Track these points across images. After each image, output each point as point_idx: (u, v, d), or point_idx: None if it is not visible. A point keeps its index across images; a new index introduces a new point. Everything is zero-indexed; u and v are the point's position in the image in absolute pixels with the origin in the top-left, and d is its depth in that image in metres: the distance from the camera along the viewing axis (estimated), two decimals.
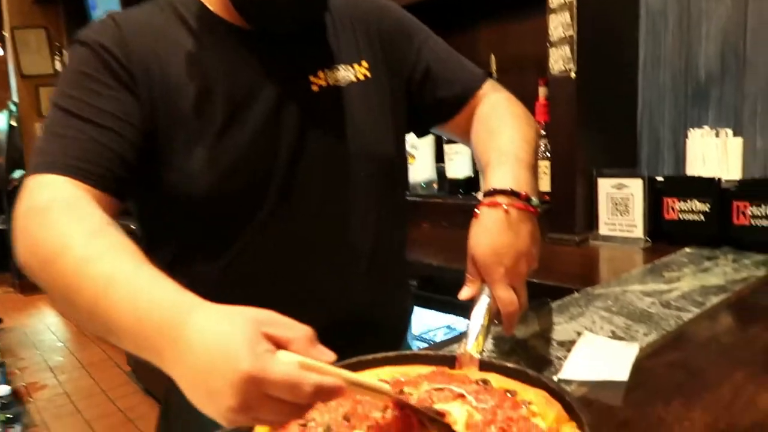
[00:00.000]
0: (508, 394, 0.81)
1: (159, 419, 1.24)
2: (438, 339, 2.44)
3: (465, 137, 1.30)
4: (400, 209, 1.29)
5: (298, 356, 0.64)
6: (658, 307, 1.36)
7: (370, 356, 0.92)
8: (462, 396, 0.79)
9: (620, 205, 2.04)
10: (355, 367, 0.91)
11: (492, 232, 1.01)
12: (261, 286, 1.09)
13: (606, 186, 2.07)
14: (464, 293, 1.03)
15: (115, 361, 4.66)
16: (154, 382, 3.72)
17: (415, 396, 0.80)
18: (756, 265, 1.66)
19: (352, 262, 1.16)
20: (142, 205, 1.11)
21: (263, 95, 1.06)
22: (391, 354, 0.93)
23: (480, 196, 1.08)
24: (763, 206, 1.75)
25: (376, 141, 1.19)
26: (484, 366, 0.91)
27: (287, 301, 0.87)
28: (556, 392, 0.80)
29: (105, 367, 4.63)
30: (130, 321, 0.68)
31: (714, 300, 1.38)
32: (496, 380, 0.86)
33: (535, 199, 1.07)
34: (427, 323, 2.51)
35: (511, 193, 1.03)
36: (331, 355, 0.66)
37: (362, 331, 1.10)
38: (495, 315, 1.00)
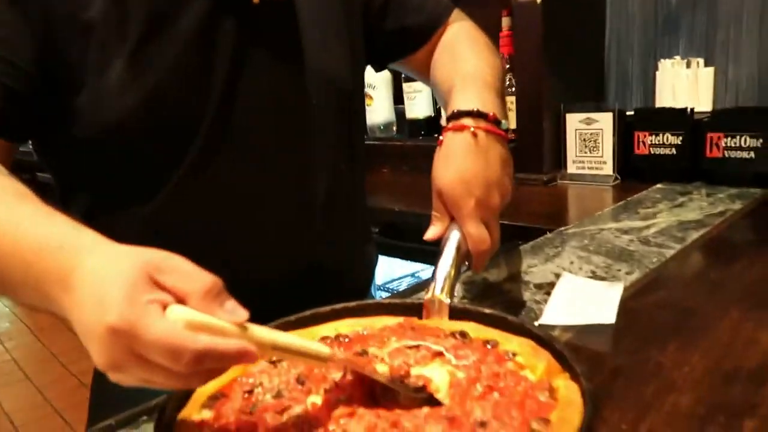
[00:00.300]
0: (489, 346, 0.70)
1: (93, 375, 1.10)
2: (402, 289, 2.34)
3: (426, 74, 1.16)
4: (359, 152, 1.15)
5: (193, 313, 0.52)
6: (638, 244, 1.27)
7: (327, 308, 0.80)
8: (440, 354, 0.67)
9: (589, 141, 1.94)
10: (310, 321, 0.78)
11: (458, 159, 0.88)
12: (195, 240, 0.91)
13: (574, 121, 1.96)
14: (430, 233, 0.91)
15: (67, 325, 4.47)
16: None
17: (383, 356, 0.68)
18: (731, 198, 1.59)
19: (304, 211, 1.01)
20: (49, 145, 0.93)
21: (192, 6, 0.89)
22: (351, 304, 0.80)
23: (443, 121, 0.95)
24: (737, 137, 1.67)
25: (331, 67, 1.02)
26: (457, 313, 0.79)
27: (230, 256, 0.74)
28: (544, 340, 0.69)
29: (55, 332, 4.41)
30: (19, 274, 0.59)
31: (694, 235, 1.30)
32: (473, 330, 0.74)
33: (504, 122, 0.94)
34: (390, 272, 2.41)
35: (478, 115, 0.91)
36: (243, 314, 0.54)
37: (321, 285, 0.96)
38: (465, 256, 0.88)
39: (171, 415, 0.61)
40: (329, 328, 0.77)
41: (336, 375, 0.65)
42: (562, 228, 1.45)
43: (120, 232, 0.61)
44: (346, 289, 0.96)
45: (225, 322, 0.53)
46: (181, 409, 0.62)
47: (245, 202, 0.95)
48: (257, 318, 0.75)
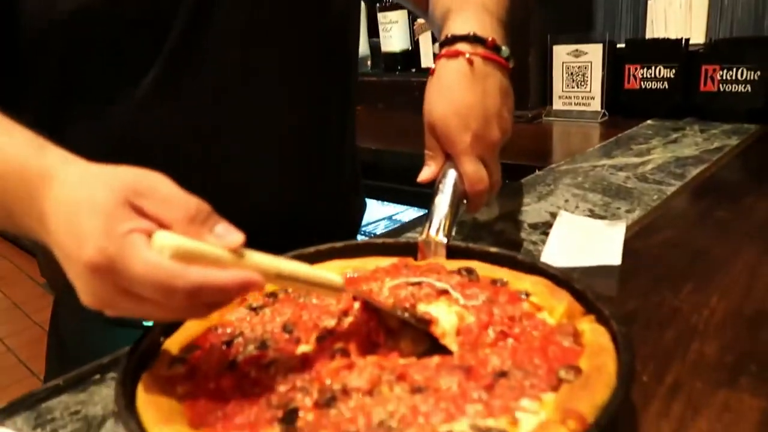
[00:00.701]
0: (498, 285, 0.62)
1: (49, 325, 1.00)
2: (379, 233, 2.26)
3: (424, 6, 1.05)
4: (350, 88, 1.04)
5: (182, 240, 0.45)
6: (635, 181, 1.21)
7: (311, 248, 0.71)
8: (446, 292, 0.59)
9: (577, 75, 1.85)
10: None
11: (453, 89, 0.79)
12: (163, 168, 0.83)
13: (561, 54, 1.87)
14: (423, 174, 0.82)
15: (28, 273, 4.31)
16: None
17: (385, 294, 0.60)
18: (726, 134, 1.54)
19: (282, 147, 0.91)
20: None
21: None
22: (338, 244, 0.72)
23: (436, 48, 0.85)
24: (733, 69, 1.60)
25: None
26: (457, 254, 0.71)
27: (198, 191, 0.64)
28: (561, 280, 0.61)
29: (17, 281, 4.26)
30: None
31: (693, 171, 1.24)
32: (478, 268, 0.67)
33: (505, 49, 0.85)
34: (366, 215, 2.33)
35: (475, 40, 0.81)
36: (238, 237, 0.47)
37: (303, 231, 0.87)
38: (462, 196, 0.80)
39: (135, 371, 0.52)
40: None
41: (330, 321, 0.57)
42: (553, 165, 1.38)
43: (85, 150, 0.51)
44: (328, 236, 0.87)
45: (218, 248, 0.46)
46: (146, 364, 0.53)
47: (213, 133, 0.84)
48: None
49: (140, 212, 0.46)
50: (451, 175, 0.79)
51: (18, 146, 0.53)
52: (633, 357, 0.46)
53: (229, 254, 0.46)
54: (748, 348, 0.63)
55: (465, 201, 0.81)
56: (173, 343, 0.57)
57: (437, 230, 0.73)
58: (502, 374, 0.47)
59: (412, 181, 0.90)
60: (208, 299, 0.46)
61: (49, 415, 0.59)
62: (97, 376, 0.65)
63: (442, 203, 0.77)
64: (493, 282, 0.63)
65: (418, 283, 0.61)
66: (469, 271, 0.64)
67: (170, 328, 0.59)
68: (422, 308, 0.57)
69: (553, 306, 0.57)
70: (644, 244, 0.92)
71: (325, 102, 0.96)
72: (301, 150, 0.92)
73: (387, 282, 0.64)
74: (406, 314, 0.57)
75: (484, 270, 0.65)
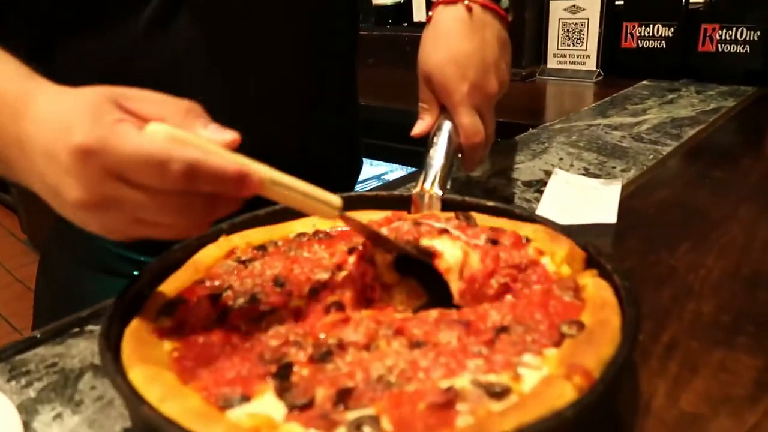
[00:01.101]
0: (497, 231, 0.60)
1: (37, 278, 0.98)
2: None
3: None
4: (351, 36, 1.01)
5: (176, 130, 0.43)
6: (631, 141, 1.20)
7: None
8: (446, 231, 0.57)
9: (573, 32, 1.82)
10: (281, 216, 0.68)
11: (450, 37, 0.77)
12: None
13: (558, 10, 1.83)
14: (417, 127, 0.80)
15: (9, 229, 4.23)
16: None
17: (384, 233, 0.58)
18: (723, 95, 1.52)
19: (282, 90, 0.87)
20: None
21: None
22: None
23: None
24: (733, 29, 1.58)
25: None
26: (452, 207, 0.70)
27: None
28: (561, 229, 0.60)
29: (1, 237, 4.23)
30: None
31: (690, 132, 1.23)
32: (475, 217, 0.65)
33: (505, 0, 0.83)
34: None
35: None
36: (232, 134, 0.45)
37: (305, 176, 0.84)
38: (457, 149, 0.78)
39: (120, 324, 0.50)
40: (306, 224, 0.67)
41: (323, 275, 0.56)
42: (547, 123, 1.36)
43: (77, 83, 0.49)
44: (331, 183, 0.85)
45: (212, 143, 0.44)
46: (131, 316, 0.52)
47: (212, 73, 0.81)
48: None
49: (129, 112, 0.44)
50: (446, 127, 0.77)
51: (3, 75, 0.51)
52: (639, 311, 0.45)
53: (225, 150, 0.44)
54: (744, 308, 0.63)
55: (460, 155, 0.80)
56: (159, 296, 0.55)
57: (432, 182, 0.72)
58: (503, 329, 0.46)
59: (403, 139, 0.88)
60: (204, 185, 0.43)
61: (24, 368, 0.58)
62: (76, 329, 0.64)
63: (437, 155, 0.75)
64: (492, 229, 0.61)
65: (418, 224, 0.59)
66: (467, 217, 0.62)
67: (156, 279, 0.57)
68: (426, 242, 0.56)
69: (554, 251, 0.56)
70: (640, 203, 0.91)
71: (329, 50, 0.92)
72: (301, 96, 0.89)
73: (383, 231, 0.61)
74: (410, 246, 0.55)
75: (482, 220, 0.64)
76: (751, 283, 0.68)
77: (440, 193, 0.71)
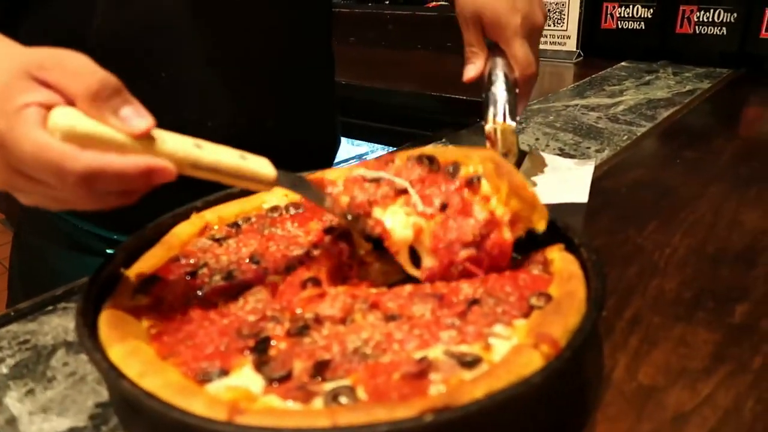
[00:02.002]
0: (451, 169, 0.60)
1: (10, 257, 0.99)
2: None
3: None
4: (327, 12, 1.02)
5: (79, 120, 0.42)
6: (606, 121, 1.22)
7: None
8: (404, 192, 0.58)
9: (554, 12, 1.83)
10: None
11: None
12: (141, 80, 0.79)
13: None
14: (470, 71, 0.83)
15: None
16: None
17: (339, 189, 0.59)
18: (699, 78, 1.56)
19: (251, 72, 0.88)
20: None
21: None
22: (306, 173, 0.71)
23: None
24: (711, 10, 1.61)
25: None
26: None
27: (168, 98, 0.62)
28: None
29: None
30: None
31: (664, 114, 1.26)
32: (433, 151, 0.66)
33: None
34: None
35: None
36: (144, 122, 0.43)
37: (276, 156, 0.85)
38: (514, 84, 0.81)
39: (95, 302, 0.52)
40: (278, 195, 0.68)
41: (298, 251, 0.58)
42: None
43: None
44: (308, 159, 0.86)
45: (118, 133, 0.43)
46: (106, 295, 0.53)
47: (191, 45, 0.81)
48: (185, 193, 0.64)
49: (44, 84, 0.43)
50: (501, 63, 0.80)
51: None
52: (605, 282, 0.47)
53: (132, 140, 0.43)
54: (707, 284, 0.66)
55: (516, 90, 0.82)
56: (134, 274, 0.56)
57: (504, 115, 0.74)
58: (475, 302, 0.48)
59: (383, 118, 0.89)
60: (106, 186, 0.43)
61: None
62: (50, 308, 0.65)
63: (500, 90, 0.78)
64: (450, 165, 0.60)
65: (377, 180, 0.59)
66: (431, 160, 0.61)
67: (131, 258, 0.58)
68: (377, 214, 0.56)
69: (498, 186, 0.56)
70: (612, 183, 0.94)
71: (303, 25, 0.93)
72: (276, 71, 0.90)
73: (343, 174, 0.62)
74: (357, 227, 0.56)
75: (438, 153, 0.63)
76: (714, 260, 0.71)
77: (513, 123, 0.74)
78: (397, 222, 0.56)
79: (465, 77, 0.83)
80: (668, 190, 0.90)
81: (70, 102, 0.43)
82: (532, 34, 0.81)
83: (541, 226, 0.56)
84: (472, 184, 0.57)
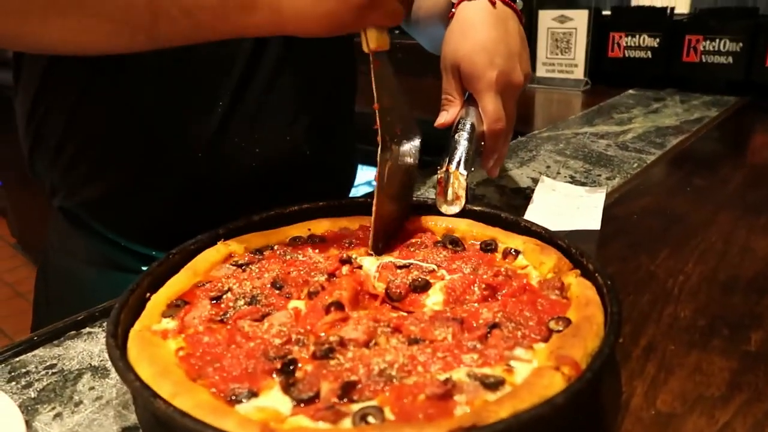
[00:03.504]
0: (488, 249, 0.65)
1: (36, 281, 1.01)
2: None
3: None
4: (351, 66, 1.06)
5: None
6: (616, 149, 1.25)
7: (294, 206, 0.73)
8: (432, 272, 0.62)
9: (561, 41, 1.87)
10: (274, 222, 0.72)
11: (477, 28, 0.81)
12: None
13: (547, 19, 1.88)
14: (442, 118, 0.84)
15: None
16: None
17: (372, 273, 0.63)
18: (706, 105, 1.58)
19: (298, 108, 0.92)
20: None
21: None
22: (321, 203, 0.74)
23: None
24: (717, 40, 1.64)
25: None
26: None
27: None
28: (545, 237, 0.65)
29: None
30: None
31: (673, 141, 1.29)
32: (467, 226, 0.69)
33: (519, 1, 0.87)
34: None
35: None
36: None
37: (300, 178, 0.88)
38: (480, 137, 0.81)
39: (124, 325, 0.54)
40: (301, 228, 0.71)
41: (320, 277, 0.59)
42: (535, 131, 1.40)
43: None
44: (322, 184, 0.89)
45: None
46: (133, 320, 0.55)
47: (245, 78, 0.84)
48: (227, 208, 0.69)
49: None
50: (471, 114, 0.81)
51: None
52: (621, 307, 0.49)
53: None
54: (720, 312, 0.67)
55: (483, 142, 0.83)
56: (160, 298, 0.58)
57: (457, 163, 0.76)
58: (495, 326, 0.50)
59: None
60: None
61: (23, 369, 0.60)
62: (73, 332, 0.66)
63: (462, 139, 0.79)
64: (483, 246, 0.65)
65: (407, 267, 0.63)
66: (455, 242, 0.66)
67: (156, 283, 0.60)
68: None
69: (543, 261, 0.60)
70: (623, 210, 0.96)
71: (340, 66, 0.99)
72: (321, 107, 0.94)
73: (374, 262, 0.66)
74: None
75: (475, 228, 0.67)
76: (727, 287, 0.72)
77: (465, 173, 0.75)
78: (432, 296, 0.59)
79: (436, 123, 0.85)
80: (679, 217, 0.92)
81: None
82: (508, 90, 0.81)
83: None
84: (509, 255, 0.62)
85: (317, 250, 0.66)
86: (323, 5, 0.60)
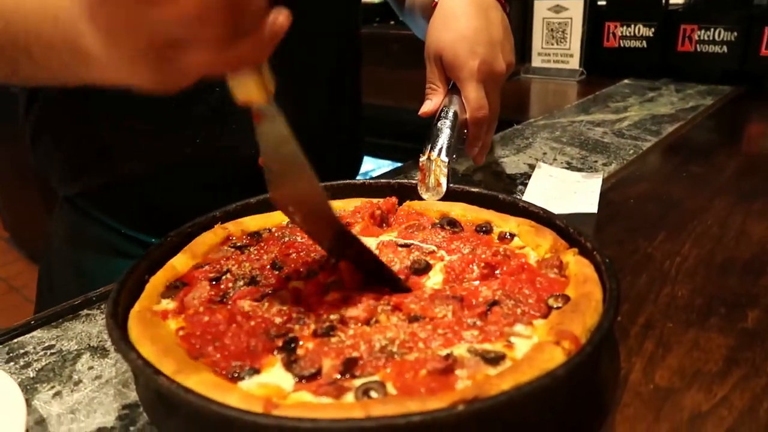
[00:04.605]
0: (482, 232, 0.65)
1: (39, 270, 1.01)
2: None
3: None
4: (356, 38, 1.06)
5: None
6: (612, 136, 1.25)
7: None
8: (432, 253, 0.62)
9: (557, 31, 1.87)
10: (269, 206, 0.71)
11: (459, 18, 0.82)
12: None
13: (542, 9, 1.88)
14: (425, 107, 0.84)
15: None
16: (38, 246, 3.37)
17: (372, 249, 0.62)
18: (701, 94, 1.59)
19: (305, 95, 0.91)
20: None
21: None
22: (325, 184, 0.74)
23: None
24: (711, 30, 1.64)
25: None
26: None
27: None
28: (542, 218, 0.65)
29: None
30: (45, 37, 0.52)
31: (669, 129, 1.29)
32: (462, 211, 0.69)
33: None
34: None
35: None
36: None
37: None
38: (462, 125, 0.82)
39: (123, 305, 0.54)
40: None
41: (318, 257, 0.59)
42: (531, 119, 1.40)
43: None
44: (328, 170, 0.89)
45: None
46: (132, 300, 0.55)
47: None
48: (227, 197, 0.69)
49: None
50: (454, 102, 0.82)
51: None
52: (619, 284, 0.49)
53: None
54: (717, 292, 0.68)
55: (465, 131, 0.83)
56: (159, 280, 0.58)
57: (439, 150, 0.76)
58: (494, 303, 0.50)
59: (385, 135, 0.92)
60: (246, 20, 0.41)
61: (21, 350, 0.60)
62: (70, 315, 0.66)
63: (444, 127, 0.79)
64: (478, 228, 0.65)
65: (407, 246, 0.63)
66: (452, 224, 0.66)
67: (155, 265, 0.60)
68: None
69: (539, 243, 0.60)
70: (620, 195, 0.96)
71: (343, 61, 0.98)
72: (320, 96, 0.94)
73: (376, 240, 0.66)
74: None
75: (470, 212, 0.68)
76: (723, 269, 0.73)
77: (446, 160, 0.75)
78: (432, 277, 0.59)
79: (420, 111, 0.85)
80: (675, 203, 0.92)
81: None
82: (491, 79, 0.81)
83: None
84: (504, 239, 0.62)
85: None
86: (118, 48, 0.44)
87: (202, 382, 0.42)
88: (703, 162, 1.11)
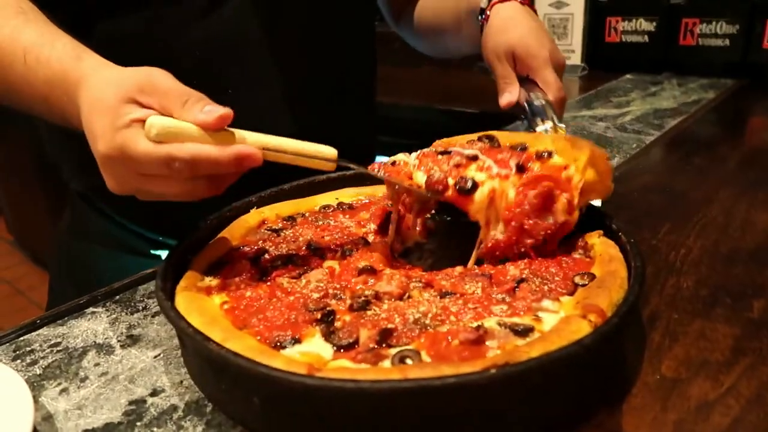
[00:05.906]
0: (519, 148, 0.65)
1: (50, 279, 1.04)
2: None
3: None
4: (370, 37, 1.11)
5: (170, 121, 0.54)
6: (615, 131, 1.29)
7: (323, 176, 0.77)
8: (476, 158, 0.62)
9: (558, 27, 1.91)
10: (307, 190, 0.76)
11: (519, 20, 0.93)
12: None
13: (543, 5, 1.91)
14: (506, 98, 0.92)
15: None
16: (42, 249, 3.36)
17: (414, 162, 0.65)
18: (703, 88, 1.63)
19: (307, 92, 0.96)
20: None
21: None
22: (349, 173, 0.77)
23: (482, 3, 0.97)
24: (713, 23, 1.69)
25: None
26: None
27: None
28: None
29: None
30: (42, 105, 0.66)
31: (671, 122, 1.33)
32: (496, 134, 0.70)
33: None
34: None
35: None
36: (225, 111, 0.54)
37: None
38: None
39: (171, 281, 0.58)
40: (329, 197, 0.75)
41: (352, 239, 0.64)
42: None
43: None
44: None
45: (198, 130, 0.53)
46: (177, 279, 0.59)
47: (250, 67, 0.89)
48: (254, 184, 0.72)
49: (145, 105, 0.55)
50: (534, 90, 0.88)
51: (60, 57, 0.62)
52: (644, 262, 0.53)
53: (212, 134, 0.54)
54: (722, 282, 0.70)
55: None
56: (201, 260, 0.62)
57: (553, 119, 0.82)
58: (522, 280, 0.54)
59: (386, 132, 0.96)
60: (206, 170, 0.54)
61: (28, 348, 0.62)
62: (76, 313, 0.68)
63: (541, 103, 0.85)
64: (513, 147, 0.65)
65: (447, 153, 0.64)
66: (490, 138, 0.67)
67: (195, 246, 0.64)
68: (468, 173, 0.61)
69: (576, 157, 0.61)
70: (624, 188, 1.00)
71: (356, 52, 1.04)
72: (327, 90, 0.99)
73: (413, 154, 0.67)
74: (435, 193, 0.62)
75: (503, 137, 0.69)
76: (728, 259, 0.76)
77: (564, 125, 0.81)
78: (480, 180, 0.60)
79: (502, 103, 0.91)
80: (679, 194, 0.96)
81: (165, 113, 0.55)
82: (559, 66, 0.90)
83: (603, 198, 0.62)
84: (542, 157, 0.61)
85: (347, 216, 0.71)
86: (103, 169, 0.58)
87: (249, 348, 0.46)
88: (706, 154, 1.16)
